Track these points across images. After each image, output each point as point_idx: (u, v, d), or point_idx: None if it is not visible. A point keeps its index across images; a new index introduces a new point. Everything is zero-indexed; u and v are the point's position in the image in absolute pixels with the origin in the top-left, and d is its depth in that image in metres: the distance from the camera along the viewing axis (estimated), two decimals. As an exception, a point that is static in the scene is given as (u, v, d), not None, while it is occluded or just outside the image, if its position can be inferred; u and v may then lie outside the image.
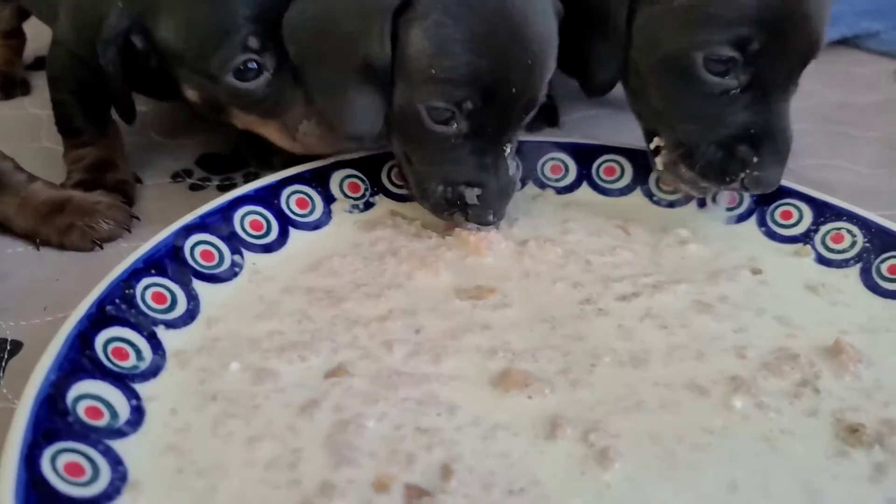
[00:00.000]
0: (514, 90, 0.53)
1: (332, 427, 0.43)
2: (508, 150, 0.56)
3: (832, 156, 0.81)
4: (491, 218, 0.56)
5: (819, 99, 0.96)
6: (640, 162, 0.65)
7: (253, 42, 0.56)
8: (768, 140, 0.55)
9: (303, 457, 0.41)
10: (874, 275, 0.56)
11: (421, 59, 0.52)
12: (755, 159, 0.55)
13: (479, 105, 0.53)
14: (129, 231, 0.65)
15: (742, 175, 0.56)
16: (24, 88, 0.90)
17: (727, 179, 0.56)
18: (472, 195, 0.55)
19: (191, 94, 0.61)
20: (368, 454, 0.41)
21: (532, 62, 0.53)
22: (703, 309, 0.53)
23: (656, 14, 0.56)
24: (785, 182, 0.62)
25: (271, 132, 0.62)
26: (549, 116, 0.85)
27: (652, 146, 0.60)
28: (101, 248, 0.63)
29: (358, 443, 0.42)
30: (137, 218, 0.66)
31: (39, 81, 0.91)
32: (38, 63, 0.95)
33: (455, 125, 0.54)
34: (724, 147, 0.56)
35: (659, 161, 0.60)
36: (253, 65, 0.57)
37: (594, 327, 0.51)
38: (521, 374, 0.46)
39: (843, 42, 1.12)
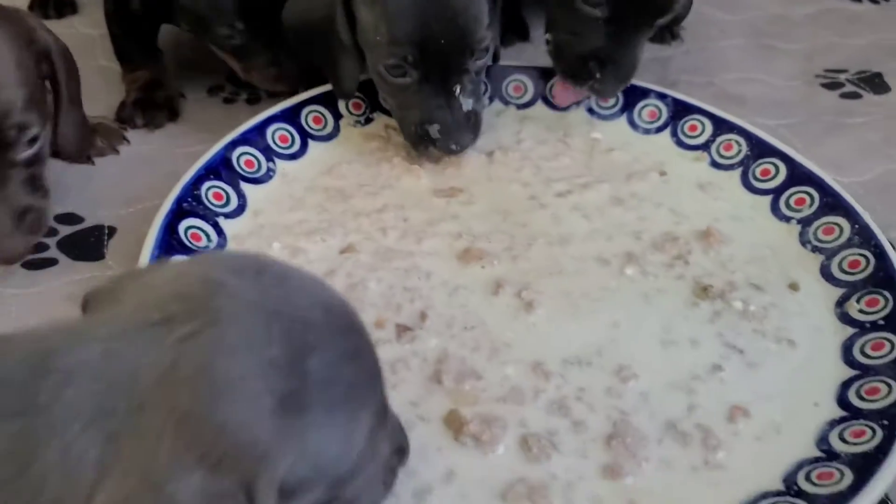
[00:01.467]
0: (443, 41, 0.67)
1: (346, 287, 0.62)
2: (459, 91, 0.70)
3: (753, 69, 0.96)
4: (454, 147, 0.71)
5: (759, 11, 1.09)
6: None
7: (238, 24, 0.76)
8: (611, 65, 0.73)
9: (327, 307, 0.61)
10: (750, 176, 0.74)
11: (369, 30, 0.68)
12: (598, 75, 0.73)
13: (418, 57, 0.67)
14: (118, 152, 0.81)
15: (588, 83, 0.74)
16: (72, 7, 1.04)
17: (578, 82, 0.75)
18: (434, 131, 0.71)
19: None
20: (371, 304, 0.61)
21: (453, 15, 0.67)
22: (617, 203, 0.72)
23: None
24: (695, 100, 0.80)
25: (236, 67, 0.82)
26: (520, 32, 1.00)
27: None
28: (93, 163, 0.79)
29: (364, 297, 0.61)
30: (127, 141, 0.82)
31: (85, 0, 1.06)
32: (79, -18, 1.09)
33: (408, 77, 0.69)
34: (581, 59, 0.74)
35: (548, 50, 0.78)
36: (234, 33, 0.77)
37: (535, 217, 0.70)
38: (478, 250, 0.66)
39: (794, -48, 1.23)
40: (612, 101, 0.81)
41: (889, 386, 0.54)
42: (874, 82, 0.94)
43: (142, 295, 0.36)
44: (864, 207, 0.75)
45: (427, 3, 0.67)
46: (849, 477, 0.48)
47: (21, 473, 0.32)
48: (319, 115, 0.78)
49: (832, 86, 0.94)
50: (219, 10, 0.76)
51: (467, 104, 0.72)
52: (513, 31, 0.98)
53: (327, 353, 0.36)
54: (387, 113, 0.78)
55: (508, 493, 0.49)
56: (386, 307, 0.61)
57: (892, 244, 0.71)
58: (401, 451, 0.45)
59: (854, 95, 0.93)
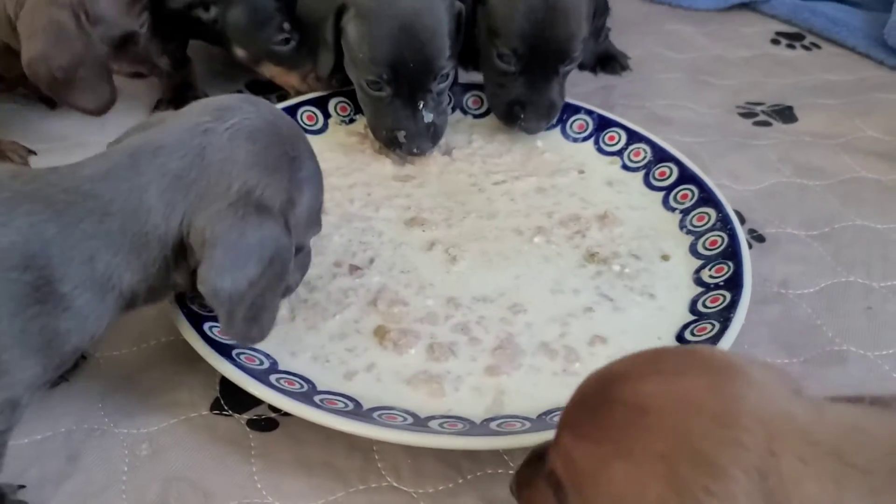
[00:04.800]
0: (411, 65, 0.86)
1: (316, 238, 0.80)
2: (422, 106, 0.88)
3: (684, 98, 1.14)
4: (415, 151, 0.90)
5: (702, 53, 1.27)
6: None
7: (285, 25, 0.94)
8: (531, 106, 0.92)
9: (300, 252, 0.80)
10: (650, 177, 0.91)
11: (353, 47, 0.87)
12: (522, 116, 0.92)
13: (392, 76, 0.86)
14: (27, 163, 0.94)
15: (518, 123, 0.93)
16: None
17: (509, 124, 0.94)
18: (401, 136, 0.89)
19: (238, 52, 0.99)
20: (333, 251, 0.79)
21: (421, 46, 0.85)
22: (540, 191, 0.90)
23: (479, 14, 0.92)
24: (615, 116, 0.98)
25: (291, 78, 0.99)
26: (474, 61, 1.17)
27: None
28: None
29: (328, 246, 0.80)
30: (34, 153, 0.96)
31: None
32: None
33: (383, 91, 0.88)
34: (507, 105, 0.93)
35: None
36: (286, 37, 0.95)
37: (474, 199, 0.88)
38: (421, 219, 0.84)
39: (745, 5, 1.42)
40: (550, 115, 0.99)
41: (713, 325, 0.71)
42: (785, 114, 1.12)
43: (188, 114, 0.60)
44: (750, 209, 0.93)
45: (401, 34, 0.85)
46: (664, 381, 0.65)
47: (136, 209, 0.56)
48: (312, 114, 0.97)
49: (748, 115, 1.12)
50: (268, 13, 0.93)
51: (429, 117, 0.90)
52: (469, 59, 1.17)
53: (305, 145, 0.63)
54: (366, 115, 0.98)
55: (412, 380, 0.67)
56: (344, 253, 0.79)
57: (764, 237, 0.89)
58: (308, 256, 0.71)
59: (765, 124, 1.10)
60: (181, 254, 0.58)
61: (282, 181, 0.59)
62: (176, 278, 0.59)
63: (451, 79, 0.93)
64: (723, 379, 0.41)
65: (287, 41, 0.96)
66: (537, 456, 0.50)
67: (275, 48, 0.96)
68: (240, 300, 0.57)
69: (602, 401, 0.42)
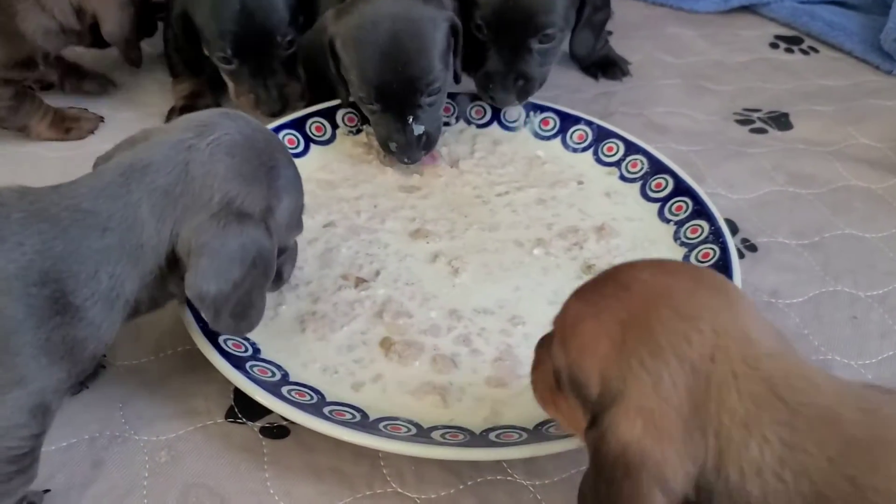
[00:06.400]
0: (395, 85, 0.89)
1: (324, 251, 0.84)
2: (412, 119, 0.91)
3: (681, 105, 1.16)
4: (406, 161, 0.94)
5: (702, 57, 1.30)
6: (531, 109, 1.03)
7: (227, 50, 0.99)
8: (498, 76, 0.97)
9: (307, 262, 0.83)
10: (647, 188, 0.94)
11: (346, 69, 0.91)
12: (490, 86, 0.97)
13: (379, 95, 0.89)
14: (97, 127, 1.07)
15: (489, 94, 0.98)
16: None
17: (484, 94, 1.00)
18: (392, 146, 0.93)
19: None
20: (340, 264, 0.83)
21: (403, 68, 0.88)
22: (540, 202, 0.93)
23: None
24: (614, 127, 1.01)
25: (231, 90, 1.05)
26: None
27: None
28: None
29: (336, 258, 0.84)
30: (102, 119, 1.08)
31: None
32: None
33: (374, 105, 0.91)
34: (481, 77, 0.98)
35: None
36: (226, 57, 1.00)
37: (477, 210, 0.92)
38: (425, 231, 0.88)
39: (746, 8, 1.44)
40: (551, 125, 1.02)
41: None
42: (780, 121, 1.14)
43: (171, 131, 0.64)
44: (743, 218, 0.96)
45: (383, 58, 0.88)
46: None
47: (131, 225, 0.60)
48: (321, 125, 1.00)
49: (744, 122, 1.14)
50: (215, 34, 0.98)
51: (419, 129, 0.92)
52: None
53: (283, 154, 0.68)
54: (373, 126, 1.01)
55: (416, 391, 0.71)
56: (351, 266, 0.83)
57: (756, 246, 0.93)
58: (295, 251, 0.77)
59: (761, 131, 1.13)
60: (174, 263, 0.62)
61: (260, 190, 0.64)
62: (171, 286, 0.64)
63: (444, 89, 0.95)
64: (707, 291, 0.48)
65: (228, 61, 1.00)
66: None
67: (218, 63, 1.02)
68: (224, 301, 0.62)
69: (606, 277, 0.52)
